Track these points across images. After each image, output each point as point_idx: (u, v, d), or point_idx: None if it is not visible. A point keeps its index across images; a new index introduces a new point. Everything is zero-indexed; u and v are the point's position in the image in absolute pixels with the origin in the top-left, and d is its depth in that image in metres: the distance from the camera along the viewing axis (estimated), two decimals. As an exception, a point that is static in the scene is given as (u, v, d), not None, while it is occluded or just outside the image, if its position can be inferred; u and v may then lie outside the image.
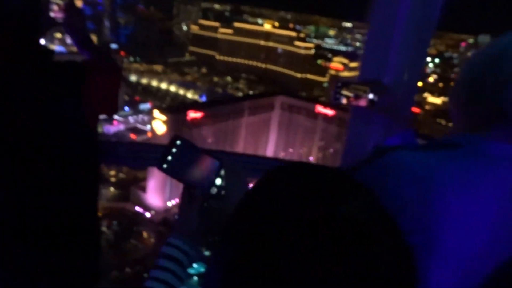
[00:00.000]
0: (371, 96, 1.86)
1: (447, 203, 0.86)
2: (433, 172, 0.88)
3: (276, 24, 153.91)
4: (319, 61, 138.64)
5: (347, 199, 0.64)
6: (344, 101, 1.89)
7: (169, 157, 1.18)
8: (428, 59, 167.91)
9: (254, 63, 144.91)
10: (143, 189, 68.59)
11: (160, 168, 1.17)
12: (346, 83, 1.95)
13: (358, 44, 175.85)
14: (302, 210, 0.63)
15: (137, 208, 62.29)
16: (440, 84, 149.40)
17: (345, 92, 1.91)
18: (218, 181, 1.14)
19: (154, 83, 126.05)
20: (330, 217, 0.61)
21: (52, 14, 2.05)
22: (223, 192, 1.15)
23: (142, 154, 2.93)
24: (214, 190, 1.14)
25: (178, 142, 1.18)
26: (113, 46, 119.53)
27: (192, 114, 71.14)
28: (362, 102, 1.88)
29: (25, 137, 1.73)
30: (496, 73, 1.04)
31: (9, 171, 1.76)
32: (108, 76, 2.00)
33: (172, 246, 1.16)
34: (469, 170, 0.94)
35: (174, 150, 1.18)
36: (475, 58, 1.18)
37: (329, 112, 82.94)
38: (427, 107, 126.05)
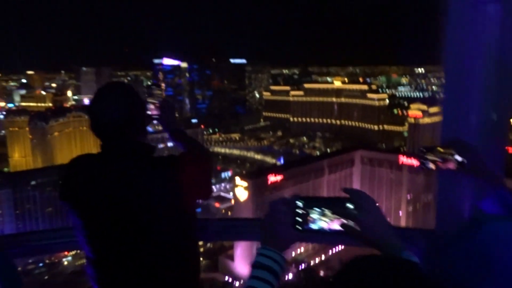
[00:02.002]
0: (458, 158, 1.77)
1: None
2: None
3: (346, 79, 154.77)
4: (395, 111, 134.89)
5: None
6: (431, 166, 1.82)
7: (299, 219, 1.24)
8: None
9: (328, 120, 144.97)
10: (231, 258, 68.66)
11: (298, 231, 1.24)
12: (429, 148, 1.88)
13: (434, 88, 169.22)
14: None
15: (227, 278, 62.02)
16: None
17: (430, 157, 1.84)
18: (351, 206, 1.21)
19: (233, 151, 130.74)
20: None
21: (148, 112, 2.43)
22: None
23: (234, 229, 2.98)
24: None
25: (299, 202, 1.25)
26: (193, 120, 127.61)
27: (272, 178, 71.66)
28: (451, 165, 1.80)
29: (133, 222, 1.99)
30: None
31: (122, 250, 2.04)
32: (201, 164, 2.23)
33: (266, 256, 1.21)
34: None
35: (299, 211, 1.23)
36: None
37: (414, 162, 78.57)
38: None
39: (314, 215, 1.19)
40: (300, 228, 1.20)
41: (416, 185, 78.55)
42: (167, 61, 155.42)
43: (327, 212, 1.19)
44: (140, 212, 1.98)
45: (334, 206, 1.08)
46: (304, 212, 1.19)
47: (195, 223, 2.21)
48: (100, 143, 2.08)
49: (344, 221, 1.20)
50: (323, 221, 1.19)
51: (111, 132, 2.03)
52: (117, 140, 2.03)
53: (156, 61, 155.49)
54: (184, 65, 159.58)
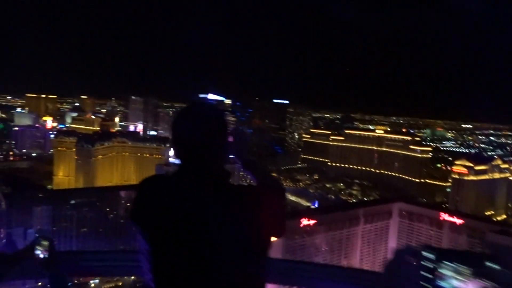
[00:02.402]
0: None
1: None
2: None
3: (389, 129, 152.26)
4: (439, 165, 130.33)
5: None
6: None
7: None
8: None
9: (367, 168, 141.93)
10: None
11: None
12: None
13: (482, 145, 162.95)
14: None
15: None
16: None
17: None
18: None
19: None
20: None
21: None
22: None
23: (306, 273, 2.82)
24: None
25: None
26: (231, 156, 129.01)
27: (305, 221, 70.13)
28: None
29: (203, 253, 1.86)
30: None
31: (185, 282, 1.91)
32: (277, 199, 2.14)
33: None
34: None
35: None
36: None
37: (457, 220, 74.74)
38: None
39: (446, 271, 1.09)
40: (428, 286, 1.13)
41: (457, 245, 74.23)
42: (212, 96, 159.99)
43: (463, 269, 1.07)
44: (212, 242, 1.86)
45: (472, 262, 1.17)
46: (435, 266, 1.10)
47: (266, 262, 2.06)
48: (179, 164, 2.02)
49: (487, 283, 1.14)
50: (458, 280, 1.09)
51: (190, 153, 1.95)
52: (196, 162, 1.95)
53: (202, 95, 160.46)
54: (228, 101, 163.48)
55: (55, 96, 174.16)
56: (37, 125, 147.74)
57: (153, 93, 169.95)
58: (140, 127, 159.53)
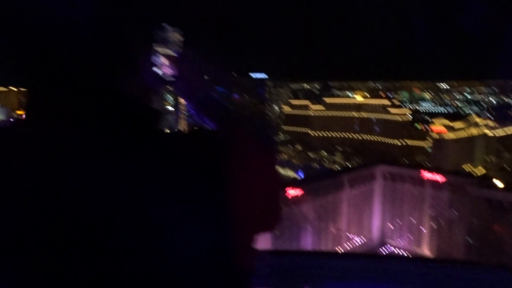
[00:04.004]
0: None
1: None
2: None
3: (367, 94, 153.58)
4: (418, 126, 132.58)
5: None
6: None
7: None
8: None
9: (349, 135, 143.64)
10: (249, 272, 67.83)
11: None
12: None
13: (458, 103, 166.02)
14: None
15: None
16: None
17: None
18: None
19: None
20: None
21: (158, 71, 1.34)
22: None
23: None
24: None
25: None
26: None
27: (291, 192, 70.75)
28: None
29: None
30: None
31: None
32: (266, 164, 1.13)
33: None
34: None
35: None
36: None
37: (438, 178, 76.51)
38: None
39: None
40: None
41: (440, 201, 76.32)
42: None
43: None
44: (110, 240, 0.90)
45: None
46: None
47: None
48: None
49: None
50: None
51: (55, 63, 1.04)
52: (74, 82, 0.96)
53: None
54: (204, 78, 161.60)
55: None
56: (11, 119, 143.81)
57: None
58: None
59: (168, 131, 1.01)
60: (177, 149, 0.91)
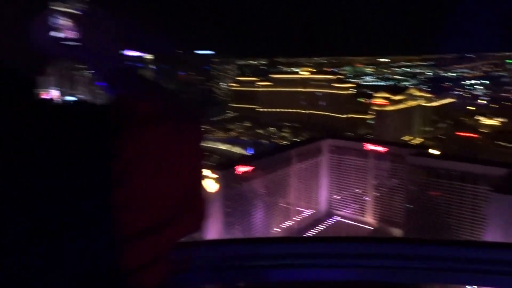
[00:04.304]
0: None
1: None
2: None
3: (313, 69, 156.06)
4: (361, 99, 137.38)
5: None
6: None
7: None
8: (476, 81, 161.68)
9: (296, 110, 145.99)
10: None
11: None
12: None
13: (398, 77, 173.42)
14: None
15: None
16: (493, 105, 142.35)
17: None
18: None
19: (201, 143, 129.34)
20: None
21: (58, 35, 1.04)
22: None
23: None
24: None
25: None
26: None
27: (242, 169, 71.34)
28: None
29: None
30: None
31: None
32: (188, 143, 0.95)
33: None
34: None
35: None
36: None
37: (380, 148, 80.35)
38: (484, 130, 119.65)
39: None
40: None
41: (382, 171, 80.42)
42: (130, 52, 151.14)
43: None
44: None
45: None
46: None
47: None
48: None
49: None
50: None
51: None
52: None
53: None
54: (148, 56, 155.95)
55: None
56: None
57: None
58: (55, 93, 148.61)
59: (42, 103, 0.89)
60: (39, 124, 0.77)
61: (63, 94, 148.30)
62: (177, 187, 0.86)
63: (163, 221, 0.83)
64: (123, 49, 1.26)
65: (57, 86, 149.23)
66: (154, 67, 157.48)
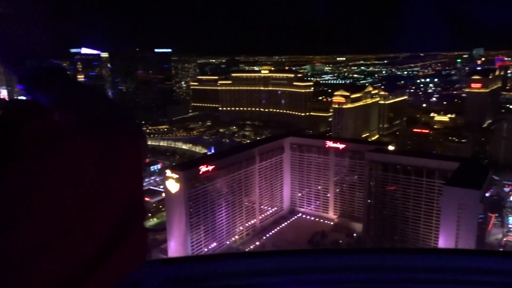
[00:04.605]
0: None
1: None
2: None
3: (273, 68, 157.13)
4: (321, 98, 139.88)
5: None
6: None
7: None
8: (427, 79, 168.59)
9: (257, 108, 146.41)
10: (165, 252, 66.99)
11: None
12: None
13: (355, 75, 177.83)
14: None
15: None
16: (444, 102, 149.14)
17: None
18: None
19: (161, 143, 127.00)
20: None
21: None
22: None
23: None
24: None
25: None
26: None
27: (204, 169, 70.67)
28: None
29: None
30: None
31: None
32: (129, 158, 0.81)
33: None
34: None
35: None
36: None
37: (340, 145, 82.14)
38: (436, 126, 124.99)
39: None
40: None
41: (342, 168, 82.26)
42: (86, 50, 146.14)
43: None
44: None
45: None
46: None
47: None
48: None
49: None
50: None
51: None
52: None
53: (74, 50, 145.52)
54: (105, 55, 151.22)
55: None
56: None
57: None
58: (4, 93, 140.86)
59: None
60: None
61: (12, 93, 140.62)
62: (103, 218, 0.66)
63: (87, 264, 0.64)
64: (58, 48, 1.05)
65: (6, 85, 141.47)
66: (110, 65, 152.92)
